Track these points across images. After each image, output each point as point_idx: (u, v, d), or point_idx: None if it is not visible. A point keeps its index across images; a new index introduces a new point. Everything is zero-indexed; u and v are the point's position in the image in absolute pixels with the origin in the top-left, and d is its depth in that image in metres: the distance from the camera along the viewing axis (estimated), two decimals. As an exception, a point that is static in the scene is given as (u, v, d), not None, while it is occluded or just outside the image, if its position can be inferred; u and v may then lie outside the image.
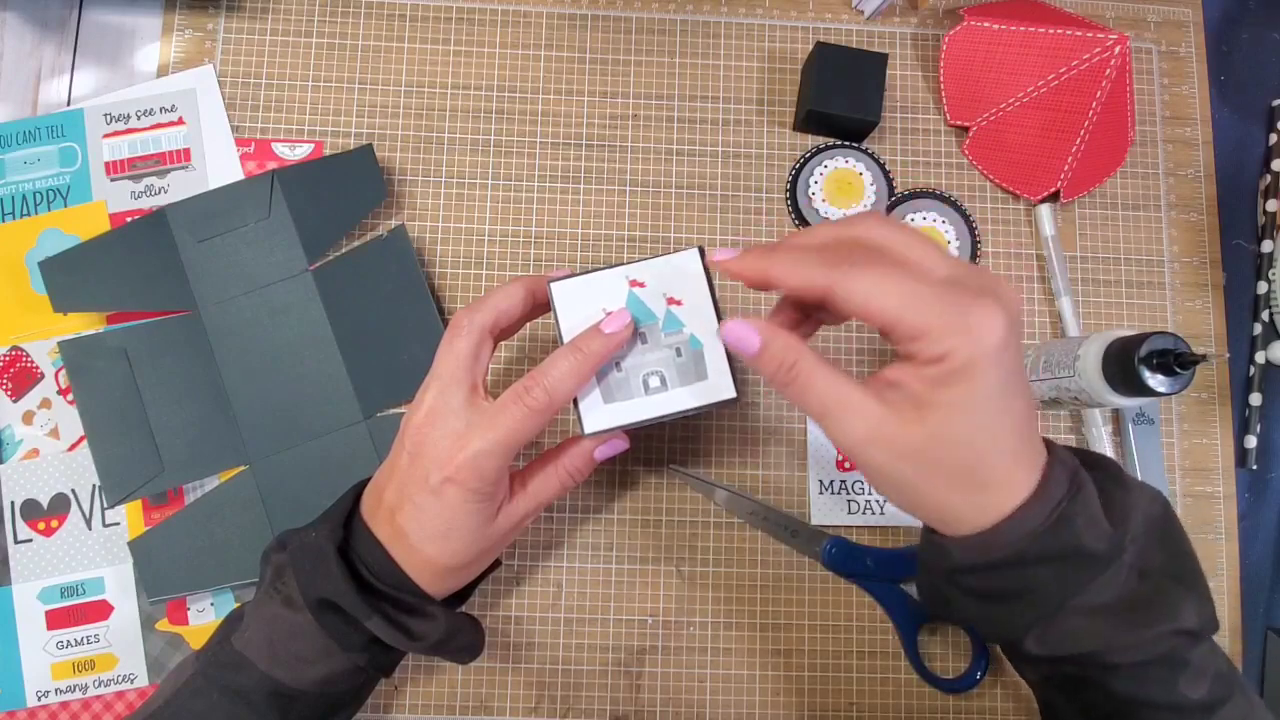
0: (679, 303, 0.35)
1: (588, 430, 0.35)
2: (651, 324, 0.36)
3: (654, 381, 0.35)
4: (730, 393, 0.35)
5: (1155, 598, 0.30)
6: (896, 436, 0.30)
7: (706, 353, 0.35)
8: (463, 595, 0.40)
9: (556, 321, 0.36)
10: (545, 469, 0.38)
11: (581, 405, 0.35)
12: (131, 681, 0.45)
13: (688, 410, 0.35)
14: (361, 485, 0.39)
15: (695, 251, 0.36)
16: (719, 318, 0.35)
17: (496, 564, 0.42)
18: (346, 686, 0.37)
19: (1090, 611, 0.30)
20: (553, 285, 0.36)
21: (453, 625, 0.37)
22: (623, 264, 0.36)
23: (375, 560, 0.36)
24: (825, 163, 0.51)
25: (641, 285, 0.36)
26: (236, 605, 0.38)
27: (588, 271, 0.36)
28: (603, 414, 0.35)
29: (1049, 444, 0.32)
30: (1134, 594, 0.30)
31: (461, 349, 0.35)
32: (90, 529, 0.46)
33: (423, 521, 0.35)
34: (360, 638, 0.35)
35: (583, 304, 0.36)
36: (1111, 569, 0.30)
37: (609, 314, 0.35)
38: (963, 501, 0.31)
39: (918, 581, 0.36)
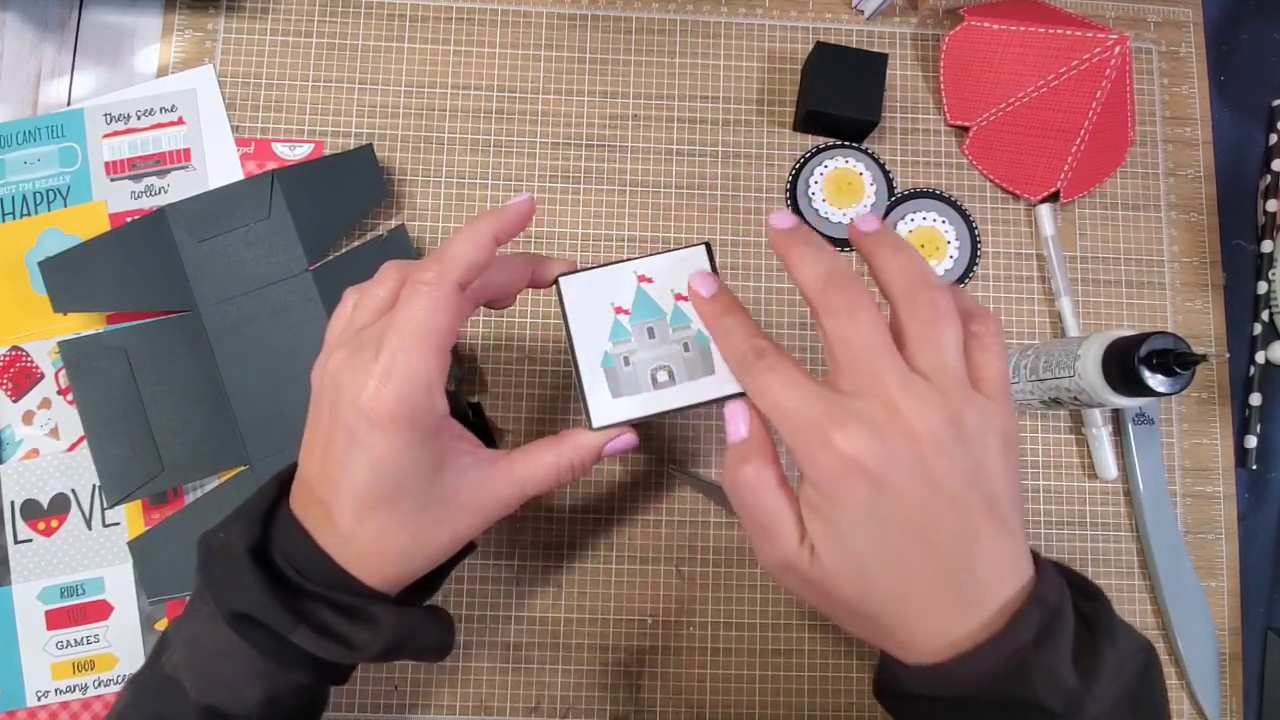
0: (686, 299, 0.36)
1: (595, 424, 0.35)
2: (660, 319, 0.36)
3: (662, 376, 0.35)
4: (736, 388, 0.35)
5: None
6: (799, 567, 0.30)
7: (713, 348, 0.35)
8: (430, 585, 0.35)
9: (565, 318, 0.36)
10: (539, 454, 0.33)
11: (589, 398, 0.35)
12: (131, 681, 0.45)
13: (695, 404, 0.35)
14: (285, 472, 0.33)
15: (703, 248, 0.36)
16: None
17: (471, 547, 0.35)
18: (297, 703, 0.32)
19: None
20: (561, 280, 0.36)
21: (403, 628, 0.31)
22: (631, 259, 0.36)
23: (301, 554, 0.30)
24: (825, 163, 0.51)
25: (649, 280, 0.36)
26: (168, 620, 0.33)
27: (595, 266, 0.36)
28: (610, 408, 0.35)
29: (1041, 571, 0.29)
30: None
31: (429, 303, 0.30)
32: (90, 529, 0.46)
33: (353, 487, 0.29)
34: (297, 652, 0.30)
35: (591, 299, 0.36)
36: None
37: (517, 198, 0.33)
38: (879, 639, 0.30)
39: (877, 682, 0.34)
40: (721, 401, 0.35)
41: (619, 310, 0.36)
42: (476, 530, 0.33)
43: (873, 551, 0.28)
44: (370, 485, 0.29)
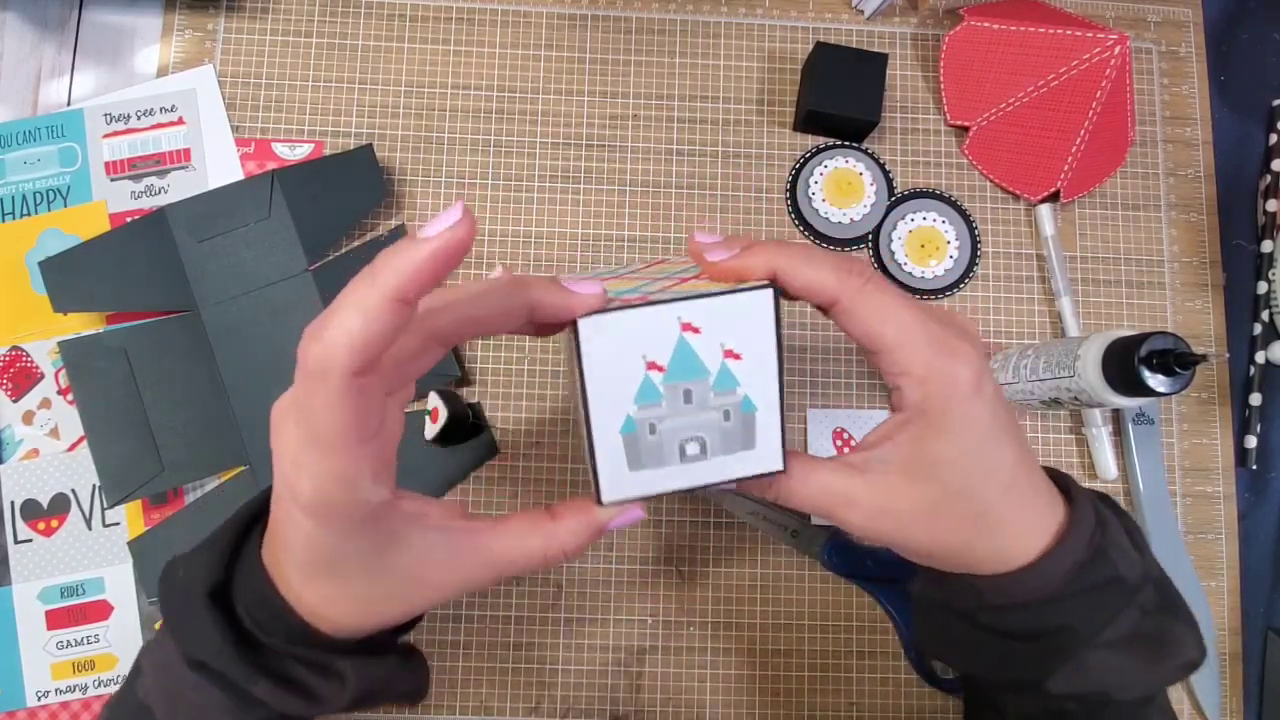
0: (738, 356, 0.28)
1: (605, 499, 0.29)
2: (702, 380, 0.28)
3: (692, 449, 0.29)
4: (778, 465, 0.30)
5: (1161, 632, 0.30)
6: (894, 509, 0.30)
7: (759, 418, 0.29)
8: (406, 624, 0.32)
9: (580, 368, 0.27)
10: (524, 535, 0.29)
11: (600, 469, 0.28)
12: (131, 681, 0.45)
13: (726, 481, 0.30)
14: (256, 500, 0.30)
15: (769, 293, 0.28)
16: (781, 378, 0.29)
17: None
18: None
19: (1111, 646, 0.30)
20: (580, 322, 0.27)
21: (371, 682, 0.29)
22: (674, 299, 0.28)
23: (260, 602, 0.28)
24: (825, 163, 0.51)
25: (696, 331, 0.28)
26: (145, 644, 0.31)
27: (626, 306, 0.28)
28: (626, 481, 0.29)
29: (1064, 481, 0.32)
30: (1142, 629, 0.30)
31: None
32: (90, 529, 0.46)
33: (295, 555, 0.27)
34: (259, 700, 0.28)
35: (618, 348, 0.28)
36: (1136, 599, 0.30)
37: (446, 214, 0.25)
38: (983, 549, 0.30)
39: (917, 624, 0.35)
40: (756, 480, 0.30)
41: (651, 365, 0.28)
42: (437, 604, 0.30)
43: (986, 468, 0.30)
44: (307, 560, 0.27)
